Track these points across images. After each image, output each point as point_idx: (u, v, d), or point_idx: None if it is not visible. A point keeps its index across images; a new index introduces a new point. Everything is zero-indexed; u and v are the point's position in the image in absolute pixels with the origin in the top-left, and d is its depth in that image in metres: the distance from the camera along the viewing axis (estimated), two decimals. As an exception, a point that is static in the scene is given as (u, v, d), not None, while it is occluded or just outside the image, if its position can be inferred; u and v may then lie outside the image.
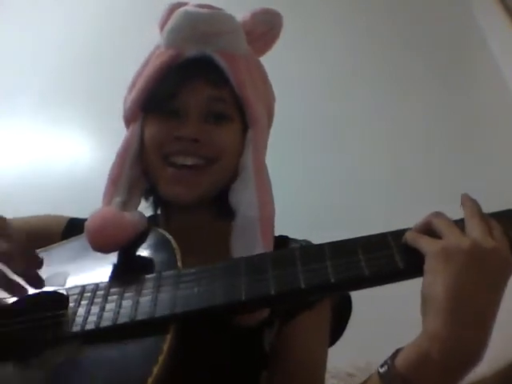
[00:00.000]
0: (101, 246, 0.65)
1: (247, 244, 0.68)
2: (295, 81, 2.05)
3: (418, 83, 2.11)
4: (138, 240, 0.68)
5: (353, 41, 2.20)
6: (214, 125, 0.73)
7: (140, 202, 0.77)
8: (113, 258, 0.66)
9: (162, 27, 0.79)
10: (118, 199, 0.71)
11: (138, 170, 0.75)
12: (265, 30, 0.80)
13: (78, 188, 1.83)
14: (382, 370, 0.52)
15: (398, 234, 0.56)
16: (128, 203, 0.72)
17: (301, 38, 2.18)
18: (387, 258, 0.54)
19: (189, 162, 0.71)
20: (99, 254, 0.66)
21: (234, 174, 0.74)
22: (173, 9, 0.76)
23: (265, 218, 0.70)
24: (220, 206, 0.76)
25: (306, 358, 0.72)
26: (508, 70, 2.04)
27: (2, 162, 1.99)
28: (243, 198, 0.71)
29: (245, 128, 0.76)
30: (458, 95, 2.08)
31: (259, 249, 0.67)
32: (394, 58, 2.17)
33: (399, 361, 0.51)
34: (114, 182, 0.73)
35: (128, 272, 0.63)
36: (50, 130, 2.06)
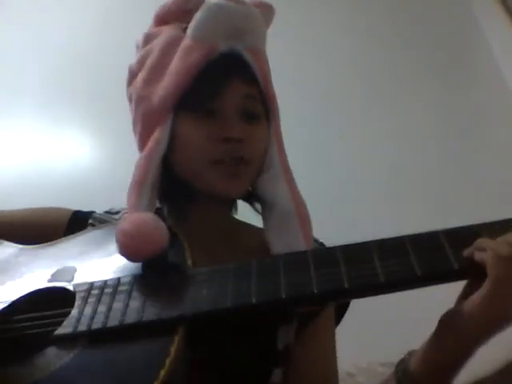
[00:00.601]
0: (135, 254, 0.61)
1: (288, 237, 0.70)
2: (295, 80, 2.05)
3: (418, 83, 2.11)
4: None
5: (353, 40, 2.20)
6: (249, 124, 0.72)
7: (156, 203, 0.74)
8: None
9: (178, 7, 0.75)
10: (144, 201, 0.69)
11: (159, 170, 0.72)
12: None
13: (79, 188, 1.84)
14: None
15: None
16: (150, 204, 0.70)
17: (301, 37, 2.18)
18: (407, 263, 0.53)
19: (237, 161, 0.71)
20: (108, 250, 0.65)
21: (260, 171, 0.75)
22: None
23: (301, 209, 0.72)
24: (235, 200, 0.79)
25: (325, 360, 0.73)
26: (508, 69, 2.04)
27: (2, 162, 1.99)
28: (278, 192, 0.73)
29: (267, 124, 0.77)
30: (458, 95, 2.08)
31: (301, 241, 0.69)
32: (394, 57, 2.17)
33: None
34: (140, 183, 0.69)
35: (137, 270, 0.62)
36: (50, 129, 2.05)
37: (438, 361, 0.55)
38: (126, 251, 0.61)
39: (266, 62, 0.77)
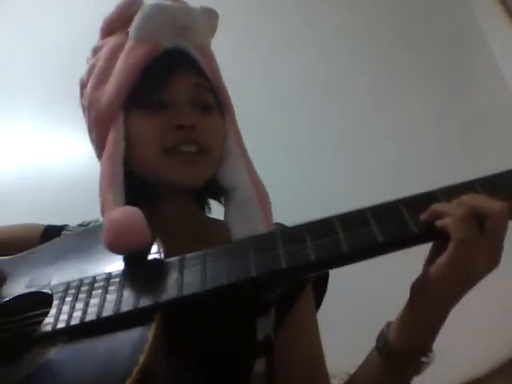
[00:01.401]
0: (122, 245, 0.61)
1: (248, 221, 0.70)
2: (295, 80, 2.05)
3: (418, 83, 2.11)
4: None
5: (353, 40, 2.20)
6: (202, 113, 0.74)
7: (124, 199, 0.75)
8: (96, 255, 0.66)
9: (121, 16, 0.78)
10: (120, 201, 0.69)
11: (122, 172, 0.73)
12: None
13: (78, 188, 1.83)
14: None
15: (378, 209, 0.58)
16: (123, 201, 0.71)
17: (301, 37, 2.18)
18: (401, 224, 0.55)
19: (193, 148, 0.71)
20: (82, 253, 0.66)
21: (219, 161, 0.76)
22: (130, 3, 0.76)
23: (260, 193, 0.73)
24: (200, 192, 0.79)
25: (310, 346, 0.74)
26: (508, 70, 2.04)
27: (2, 162, 1.99)
28: (237, 179, 0.74)
29: (221, 116, 0.78)
30: (458, 95, 2.08)
31: (261, 225, 0.69)
32: (394, 57, 2.17)
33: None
34: (111, 180, 0.70)
35: (111, 267, 0.62)
36: (50, 130, 2.06)
37: (414, 327, 0.57)
38: (113, 239, 0.61)
39: (213, 58, 0.78)
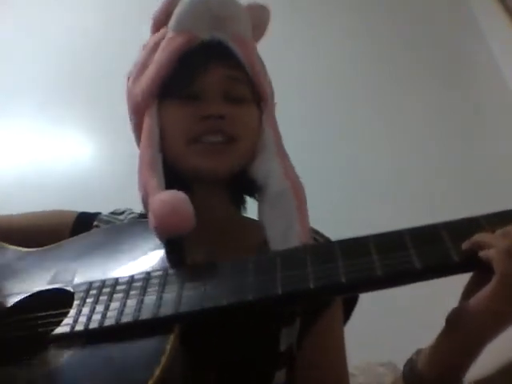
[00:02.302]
0: (179, 229, 0.61)
1: (282, 216, 0.69)
2: (295, 80, 2.05)
3: (418, 83, 2.11)
4: (149, 235, 0.65)
5: (353, 40, 2.20)
6: (233, 105, 0.73)
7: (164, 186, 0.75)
8: (121, 253, 0.65)
9: (162, 17, 0.78)
10: (162, 183, 0.69)
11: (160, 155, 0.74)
12: (254, 25, 0.80)
13: (79, 188, 1.83)
14: None
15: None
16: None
17: (301, 37, 2.18)
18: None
19: (219, 138, 0.71)
20: (108, 251, 0.65)
21: (252, 155, 0.75)
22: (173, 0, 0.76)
23: (297, 188, 0.71)
24: (233, 189, 0.78)
25: (334, 359, 0.73)
26: (508, 69, 2.04)
27: (2, 162, 1.99)
28: (270, 173, 0.72)
29: (258, 109, 0.77)
30: (457, 95, 2.08)
31: (296, 220, 0.68)
32: (394, 57, 2.17)
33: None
34: (151, 167, 0.70)
35: (135, 269, 0.62)
36: (50, 130, 2.05)
37: (446, 360, 0.55)
38: (163, 219, 0.61)
39: (254, 50, 0.77)
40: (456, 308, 0.55)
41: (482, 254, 0.51)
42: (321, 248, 0.60)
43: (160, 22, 0.79)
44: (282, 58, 2.06)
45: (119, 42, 1.96)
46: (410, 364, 0.58)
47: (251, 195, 0.80)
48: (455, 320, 0.54)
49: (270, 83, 0.83)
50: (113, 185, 1.76)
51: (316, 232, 0.79)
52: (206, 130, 0.71)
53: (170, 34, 0.74)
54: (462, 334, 0.53)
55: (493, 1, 2.11)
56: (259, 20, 0.80)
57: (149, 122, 0.74)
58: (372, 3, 2.27)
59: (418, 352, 0.58)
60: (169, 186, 0.70)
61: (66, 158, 2.00)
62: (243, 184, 0.77)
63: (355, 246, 0.55)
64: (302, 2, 2.25)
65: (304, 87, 2.07)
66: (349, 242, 0.57)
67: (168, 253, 0.61)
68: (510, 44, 2.04)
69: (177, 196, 0.63)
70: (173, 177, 0.73)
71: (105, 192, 1.70)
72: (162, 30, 0.77)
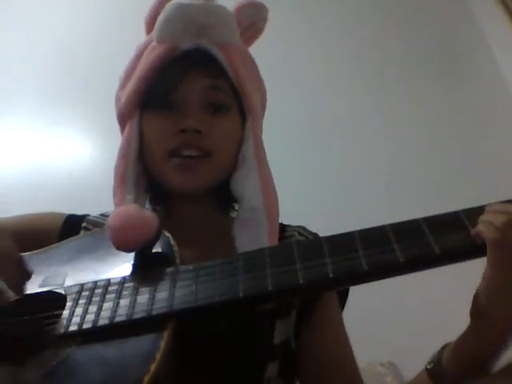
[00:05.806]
0: (127, 244, 0.61)
1: (253, 232, 0.68)
2: (297, 81, 2.05)
3: (418, 83, 2.11)
4: None
5: (353, 42, 2.20)
6: (213, 115, 0.73)
7: (147, 198, 0.77)
8: (111, 256, 0.65)
9: (150, 21, 0.78)
10: (129, 197, 0.70)
11: (139, 166, 0.74)
12: (249, 23, 0.79)
13: (78, 188, 1.83)
14: None
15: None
16: (137, 200, 0.72)
17: (303, 40, 2.18)
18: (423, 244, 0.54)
19: (193, 153, 0.71)
20: (98, 254, 0.66)
21: (235, 164, 0.74)
22: (162, 2, 0.75)
23: (269, 205, 0.70)
24: (220, 198, 0.78)
25: (337, 344, 0.73)
26: (508, 70, 2.04)
27: (2, 162, 1.99)
28: (247, 187, 0.72)
29: (242, 118, 0.76)
30: (457, 95, 2.08)
31: (265, 236, 0.67)
32: (394, 58, 2.17)
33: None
34: (122, 179, 0.72)
35: (127, 270, 0.62)
36: (50, 130, 2.06)
37: (473, 350, 0.54)
38: (116, 244, 0.61)
39: (240, 56, 0.75)
40: (473, 298, 0.55)
41: (472, 231, 0.52)
42: (309, 244, 0.60)
43: (149, 26, 0.79)
44: (284, 58, 2.06)
45: (119, 42, 1.96)
46: (436, 357, 0.58)
47: (230, 205, 0.81)
48: (475, 309, 0.54)
49: (261, 90, 0.81)
50: (112, 185, 1.76)
51: (304, 229, 0.80)
52: (182, 144, 0.70)
53: (153, 43, 0.74)
54: (485, 320, 0.53)
55: (493, 1, 2.11)
56: (255, 17, 0.79)
57: (128, 132, 0.74)
58: (372, 4, 2.27)
59: (444, 347, 0.58)
60: (153, 195, 0.73)
61: (66, 158, 2.00)
62: (226, 194, 0.76)
63: (341, 242, 0.56)
64: (305, 5, 2.25)
65: (305, 88, 2.07)
66: (335, 237, 0.58)
67: (137, 265, 0.61)
68: (509, 44, 2.04)
69: (122, 215, 0.62)
70: (158, 186, 0.75)
71: (104, 192, 1.70)
72: (149, 36, 0.77)
